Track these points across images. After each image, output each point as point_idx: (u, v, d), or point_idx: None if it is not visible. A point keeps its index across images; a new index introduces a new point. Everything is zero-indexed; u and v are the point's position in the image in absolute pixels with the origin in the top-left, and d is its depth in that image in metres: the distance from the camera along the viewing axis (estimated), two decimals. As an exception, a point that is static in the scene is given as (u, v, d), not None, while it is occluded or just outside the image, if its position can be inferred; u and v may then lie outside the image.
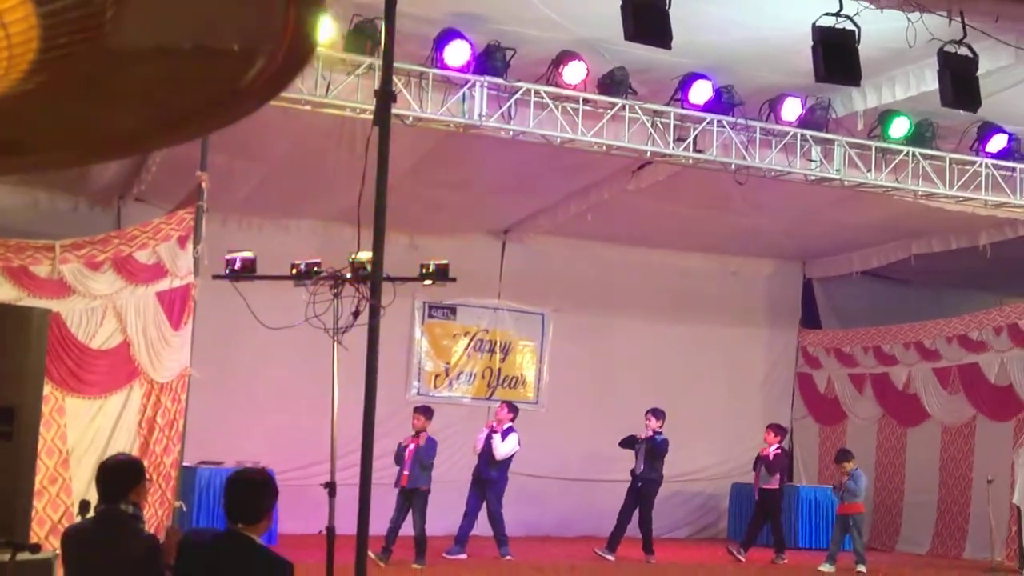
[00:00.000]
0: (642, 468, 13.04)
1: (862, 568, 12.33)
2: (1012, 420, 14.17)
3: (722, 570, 12.19)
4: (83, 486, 9.13)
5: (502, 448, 12.36)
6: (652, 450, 12.96)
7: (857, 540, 12.71)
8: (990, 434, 14.58)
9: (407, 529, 11.52)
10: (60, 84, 1.18)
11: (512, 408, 12.83)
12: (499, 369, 15.93)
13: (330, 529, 7.09)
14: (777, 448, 13.74)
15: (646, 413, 13.21)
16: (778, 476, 13.62)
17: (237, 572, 4.65)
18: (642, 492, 13.01)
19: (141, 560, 5.05)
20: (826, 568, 12.46)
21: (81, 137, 1.34)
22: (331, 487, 7.19)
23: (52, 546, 8.27)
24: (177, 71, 1.28)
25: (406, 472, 11.60)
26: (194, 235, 10.24)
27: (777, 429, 14.05)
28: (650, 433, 13.02)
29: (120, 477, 5.20)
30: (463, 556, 12.18)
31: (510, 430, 12.49)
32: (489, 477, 12.35)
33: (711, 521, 16.66)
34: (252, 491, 4.81)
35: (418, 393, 15.21)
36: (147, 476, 5.40)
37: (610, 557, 12.67)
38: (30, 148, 1.37)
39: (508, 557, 12.18)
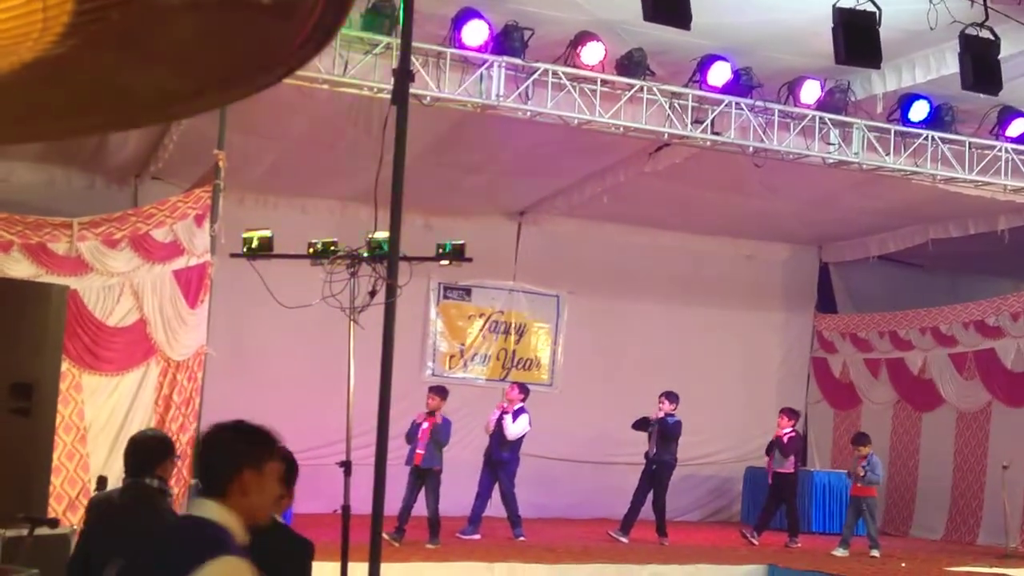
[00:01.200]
0: (655, 450, 13.05)
1: (876, 553, 12.32)
2: (1028, 406, 14.12)
3: (734, 553, 12.19)
4: (100, 462, 9.20)
5: (513, 428, 12.37)
6: (664, 432, 12.95)
7: (870, 524, 12.71)
8: (1006, 420, 14.53)
9: (419, 509, 11.56)
10: (95, 46, 1.17)
11: (523, 389, 12.84)
12: (514, 351, 15.94)
13: (345, 508, 7.12)
14: (791, 432, 13.71)
15: (660, 396, 13.20)
16: (792, 460, 13.60)
17: (258, 549, 4.66)
18: (655, 475, 13.02)
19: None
20: (840, 552, 12.45)
21: (118, 101, 1.33)
22: (347, 466, 7.22)
23: (70, 521, 8.34)
24: (210, 26, 1.26)
25: (421, 451, 11.63)
26: (211, 213, 10.26)
27: (791, 413, 14.02)
28: (661, 415, 13.02)
29: (147, 452, 5.20)
30: (476, 536, 12.21)
31: (521, 410, 12.50)
32: (501, 458, 12.38)
33: (724, 504, 16.67)
34: None
35: (433, 374, 15.22)
36: (174, 450, 5.40)
37: (624, 539, 12.69)
38: (66, 112, 1.36)
39: (521, 538, 12.20)
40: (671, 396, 13.18)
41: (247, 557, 3.11)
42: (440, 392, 12.09)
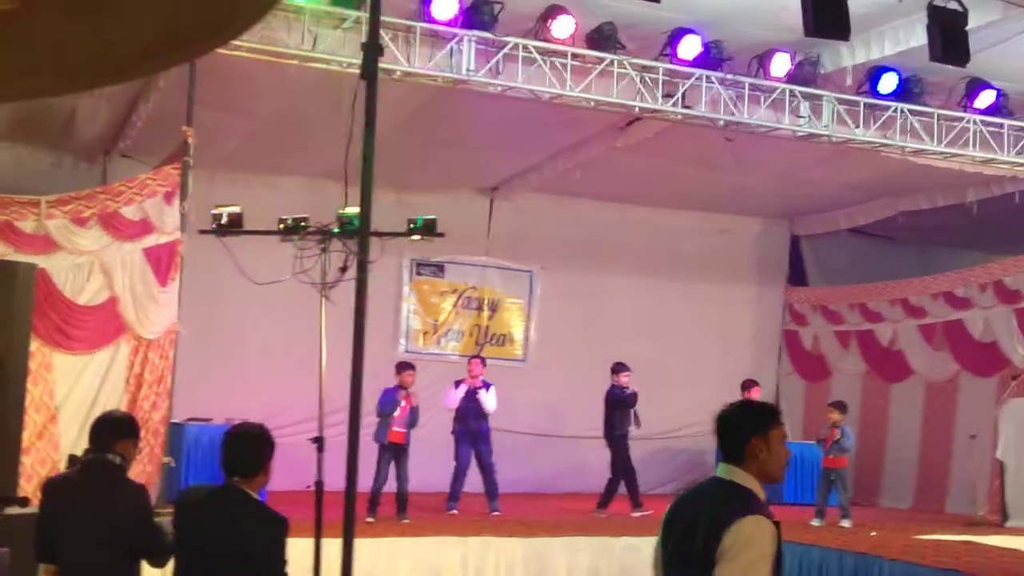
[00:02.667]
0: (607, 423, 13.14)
1: (846, 523, 12.42)
2: (995, 376, 14.27)
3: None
4: (71, 441, 9.16)
5: (491, 401, 12.43)
6: (611, 403, 13.05)
7: (842, 494, 12.79)
8: (974, 390, 14.69)
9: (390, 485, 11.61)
10: (41, 4, 1.15)
11: (484, 361, 12.89)
12: (487, 326, 15.96)
13: (319, 484, 7.13)
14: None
15: (623, 370, 13.22)
16: None
17: (232, 526, 4.68)
18: (612, 447, 13.10)
19: (131, 509, 5.07)
20: (816, 523, 12.53)
21: (69, 60, 1.31)
22: (319, 441, 7.22)
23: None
24: None
25: (400, 429, 11.66)
26: (180, 191, 10.21)
27: (748, 384, 14.07)
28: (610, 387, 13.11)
29: (110, 428, 5.21)
30: (455, 512, 12.24)
31: (487, 383, 12.56)
32: (480, 430, 12.43)
33: (698, 477, 16.71)
34: (249, 445, 4.83)
35: (406, 350, 15.22)
36: (139, 434, 5.40)
37: (602, 515, 12.73)
38: (16, 72, 1.34)
39: (496, 513, 12.25)
40: (616, 367, 13.21)
41: (769, 514, 3.64)
42: (413, 368, 12.12)
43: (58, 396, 9.44)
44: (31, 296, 8.13)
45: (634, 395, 13.06)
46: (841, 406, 13.27)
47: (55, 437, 9.32)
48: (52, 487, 5.30)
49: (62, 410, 9.42)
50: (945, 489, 14.84)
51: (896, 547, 10.23)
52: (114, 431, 5.20)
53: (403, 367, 12.11)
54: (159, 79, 10.61)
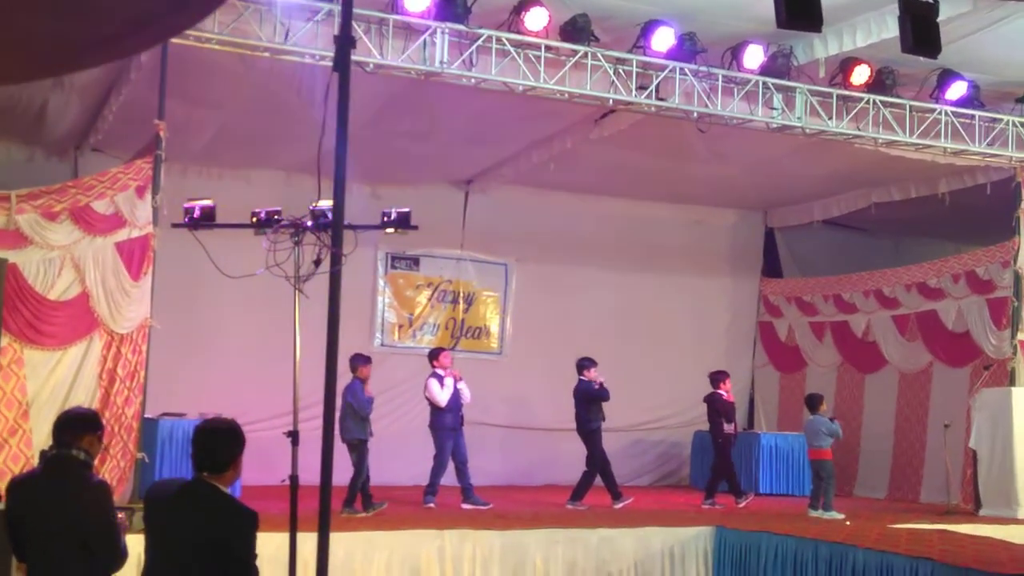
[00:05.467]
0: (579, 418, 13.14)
1: (815, 513, 12.31)
2: (968, 366, 14.36)
3: (683, 516, 12.31)
4: (43, 438, 9.07)
5: (467, 392, 12.42)
6: (581, 398, 13.05)
7: (822, 487, 12.66)
8: (947, 380, 14.78)
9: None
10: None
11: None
12: (462, 319, 15.95)
13: (293, 478, 7.10)
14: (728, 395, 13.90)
15: (590, 366, 13.21)
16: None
17: (201, 521, 4.66)
18: (586, 441, 13.10)
19: (92, 504, 5.03)
20: (829, 516, 12.33)
21: (27, 47, 1.28)
22: (294, 436, 7.19)
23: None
24: None
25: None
26: (153, 185, 10.13)
27: (718, 375, 14.05)
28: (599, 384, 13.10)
29: (73, 424, 5.18)
30: (433, 505, 12.11)
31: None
32: (460, 423, 12.39)
33: (673, 468, 16.83)
34: (218, 440, 4.81)
35: (382, 344, 15.20)
36: (103, 430, 5.35)
37: (580, 507, 12.72)
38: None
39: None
40: (580, 364, 13.21)
41: None
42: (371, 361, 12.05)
43: (30, 392, 9.37)
44: (1, 291, 8.07)
45: (605, 389, 13.06)
46: (817, 400, 13.28)
47: (27, 433, 9.25)
48: (15, 486, 5.25)
49: (34, 406, 9.34)
50: (919, 479, 14.94)
51: (871, 536, 10.29)
52: (77, 427, 5.16)
53: (364, 360, 11.95)
54: (130, 72, 10.53)
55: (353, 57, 6.09)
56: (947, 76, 12.03)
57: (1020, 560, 8.84)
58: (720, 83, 11.51)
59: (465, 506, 12.17)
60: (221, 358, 13.72)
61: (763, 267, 17.80)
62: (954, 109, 12.37)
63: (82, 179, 10.52)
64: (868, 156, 12.96)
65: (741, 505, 13.23)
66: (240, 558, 4.61)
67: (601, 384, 13.05)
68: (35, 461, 8.39)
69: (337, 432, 10.09)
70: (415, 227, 8.97)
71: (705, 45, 11.23)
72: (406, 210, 8.76)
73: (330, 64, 6.05)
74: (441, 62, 10.42)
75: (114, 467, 9.60)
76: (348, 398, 11.34)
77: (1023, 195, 13.40)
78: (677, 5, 10.59)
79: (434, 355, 12.61)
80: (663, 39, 10.97)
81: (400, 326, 15.60)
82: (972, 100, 12.41)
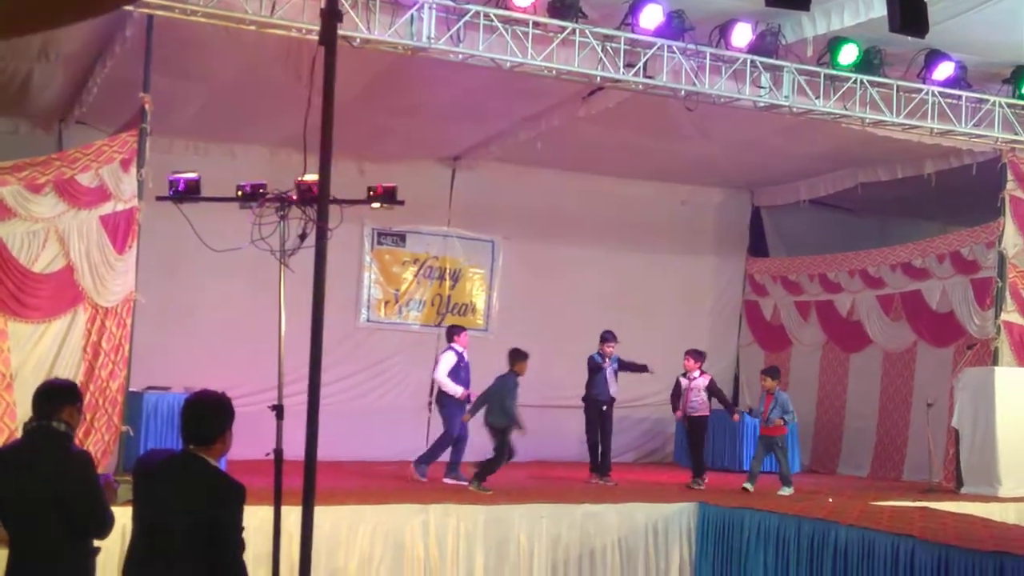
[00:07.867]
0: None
1: (786, 491, 12.29)
2: (952, 346, 14.43)
3: (667, 492, 12.37)
4: (27, 410, 9.01)
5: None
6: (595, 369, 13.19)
7: (783, 463, 12.62)
8: (930, 360, 14.86)
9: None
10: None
11: None
12: (449, 296, 15.95)
13: (278, 451, 7.10)
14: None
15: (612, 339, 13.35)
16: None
17: (188, 493, 4.67)
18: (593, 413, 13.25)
19: (75, 473, 5.04)
20: (748, 486, 12.34)
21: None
22: (279, 409, 7.19)
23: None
24: None
25: None
26: (138, 158, 10.09)
27: (696, 355, 13.84)
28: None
29: (53, 396, 5.18)
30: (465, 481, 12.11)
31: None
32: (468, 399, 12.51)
33: (658, 446, 16.90)
34: (207, 413, 4.82)
35: (368, 320, 15.20)
36: (82, 400, 5.36)
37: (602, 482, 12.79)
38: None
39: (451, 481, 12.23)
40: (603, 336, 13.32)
41: None
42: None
43: (13, 364, 9.34)
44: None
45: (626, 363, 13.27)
46: (774, 372, 13.05)
47: (11, 406, 9.23)
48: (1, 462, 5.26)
49: (18, 378, 9.31)
50: (902, 457, 15.03)
51: (853, 513, 10.35)
52: (56, 398, 5.17)
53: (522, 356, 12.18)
54: (115, 44, 10.46)
55: (340, 32, 6.07)
56: (934, 56, 12.04)
57: (1000, 538, 8.91)
58: (708, 61, 11.49)
59: (447, 480, 12.20)
60: (206, 332, 13.71)
61: (749, 246, 17.84)
62: (941, 89, 12.39)
63: (67, 152, 10.47)
64: (855, 136, 12.97)
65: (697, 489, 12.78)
66: (227, 530, 4.63)
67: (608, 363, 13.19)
68: (19, 434, 8.38)
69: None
70: (401, 202, 8.93)
71: (693, 23, 11.21)
72: (392, 185, 8.73)
73: (316, 38, 6.02)
74: (428, 37, 10.38)
75: (98, 440, 9.59)
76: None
77: (1008, 176, 13.45)
78: (666, -18, 10.56)
79: (456, 332, 12.75)
80: (651, 16, 10.94)
81: (386, 302, 15.59)
82: (959, 81, 12.42)
